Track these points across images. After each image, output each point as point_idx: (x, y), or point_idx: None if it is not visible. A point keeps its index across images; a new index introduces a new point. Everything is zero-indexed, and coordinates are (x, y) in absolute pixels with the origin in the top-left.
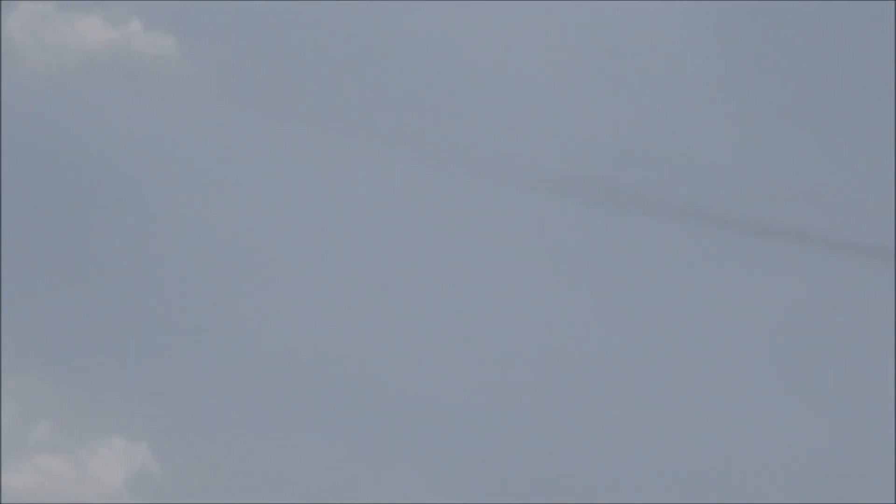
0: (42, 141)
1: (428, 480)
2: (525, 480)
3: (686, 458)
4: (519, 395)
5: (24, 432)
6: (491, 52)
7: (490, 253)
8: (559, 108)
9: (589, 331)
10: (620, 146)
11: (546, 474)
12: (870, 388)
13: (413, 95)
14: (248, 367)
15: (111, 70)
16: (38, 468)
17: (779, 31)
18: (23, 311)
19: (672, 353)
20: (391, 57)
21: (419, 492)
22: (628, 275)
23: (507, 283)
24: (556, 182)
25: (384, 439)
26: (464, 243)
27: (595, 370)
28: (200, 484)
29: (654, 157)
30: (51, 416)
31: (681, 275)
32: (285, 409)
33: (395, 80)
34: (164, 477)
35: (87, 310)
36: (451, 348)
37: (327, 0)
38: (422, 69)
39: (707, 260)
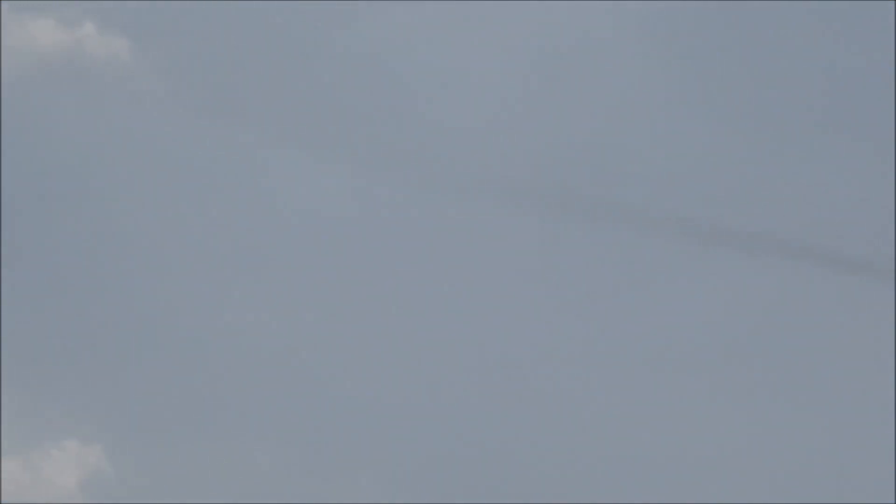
0: None
1: (386, 481)
2: (484, 481)
3: (685, 461)
4: (478, 397)
5: None
6: (449, 56)
7: (448, 259)
8: (519, 113)
9: (572, 334)
10: (593, 153)
11: (505, 475)
12: (869, 388)
13: (370, 100)
14: (202, 369)
15: (64, 73)
16: None
17: (769, 31)
18: None
19: (659, 360)
20: (349, 60)
21: (378, 492)
22: (611, 284)
23: (465, 288)
24: (517, 189)
25: (344, 440)
26: (421, 249)
27: (575, 371)
28: (155, 486)
29: (627, 165)
30: (3, 418)
31: (645, 284)
32: (241, 411)
33: (354, 84)
34: (119, 479)
35: (40, 312)
36: (411, 351)
37: (284, 1)
38: (380, 73)
39: (679, 267)
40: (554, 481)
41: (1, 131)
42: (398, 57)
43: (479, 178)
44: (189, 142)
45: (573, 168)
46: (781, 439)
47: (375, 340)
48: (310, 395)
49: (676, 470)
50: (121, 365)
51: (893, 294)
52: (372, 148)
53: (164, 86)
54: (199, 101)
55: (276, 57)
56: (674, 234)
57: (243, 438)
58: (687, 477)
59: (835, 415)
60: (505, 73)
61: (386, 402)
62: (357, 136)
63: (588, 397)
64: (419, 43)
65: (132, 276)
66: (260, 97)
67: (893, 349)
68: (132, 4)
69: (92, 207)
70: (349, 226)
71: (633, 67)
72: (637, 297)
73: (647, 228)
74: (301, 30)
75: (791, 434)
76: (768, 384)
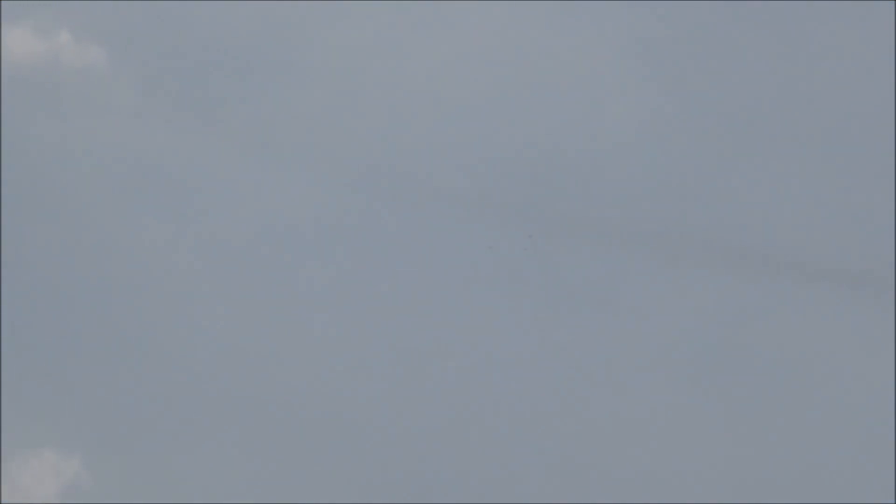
0: None
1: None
2: (465, 485)
3: (687, 461)
4: (457, 403)
5: None
6: (426, 67)
7: (397, 264)
8: (479, 123)
9: (553, 343)
10: (574, 166)
11: (487, 478)
12: (870, 388)
13: (349, 111)
14: (179, 380)
15: (40, 82)
16: None
17: (759, 36)
18: None
19: (644, 371)
20: (327, 70)
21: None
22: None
23: (411, 292)
24: (494, 201)
25: (310, 446)
26: (396, 257)
27: (552, 380)
28: (132, 496)
29: (618, 178)
30: None
31: (630, 297)
32: (216, 421)
33: (331, 95)
34: (96, 489)
35: (17, 323)
36: (388, 359)
37: (260, 8)
38: (357, 84)
39: (662, 280)
40: (532, 486)
41: None
42: (374, 68)
43: (460, 191)
44: (159, 149)
45: (551, 181)
46: (779, 443)
47: (355, 350)
48: (287, 406)
49: (681, 470)
50: (99, 376)
51: (893, 304)
52: (350, 158)
53: (141, 96)
54: (172, 108)
55: (253, 67)
56: (658, 248)
57: (219, 449)
58: (689, 477)
59: (834, 418)
60: (484, 86)
61: (365, 408)
62: (334, 146)
63: (567, 404)
64: (398, 56)
65: (109, 288)
66: (237, 106)
67: (893, 352)
68: (108, 13)
69: (69, 217)
70: (325, 234)
71: (614, 80)
72: (620, 309)
73: (633, 243)
74: (278, 40)
75: (792, 438)
76: (767, 390)
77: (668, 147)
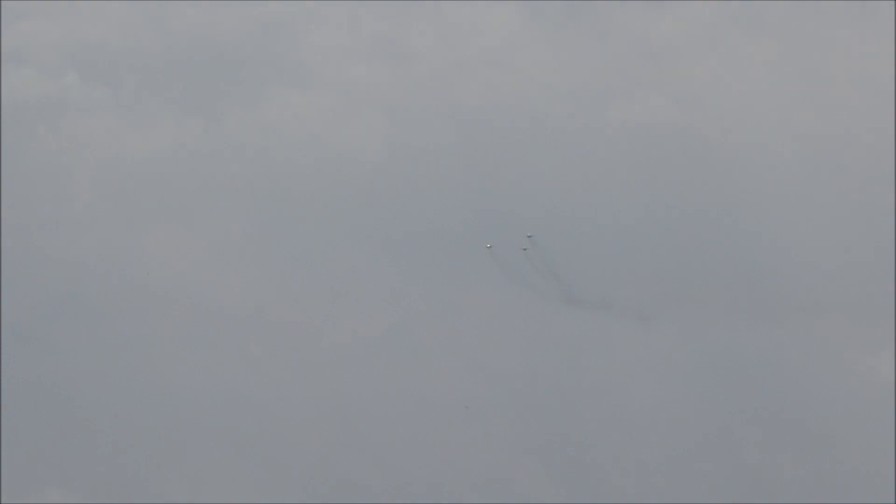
0: None
1: None
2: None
3: (686, 459)
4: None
5: None
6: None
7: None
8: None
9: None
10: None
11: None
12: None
13: (360, 164)
14: (180, 428)
15: (46, 122)
16: None
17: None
18: None
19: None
20: (330, 117)
21: None
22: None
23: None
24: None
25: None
26: (376, 308)
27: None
28: None
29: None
30: None
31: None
32: (213, 470)
33: (338, 145)
34: None
35: (25, 366)
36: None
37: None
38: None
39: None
40: None
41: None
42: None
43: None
44: (168, 192)
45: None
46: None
47: (347, 410)
48: (281, 451)
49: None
50: (104, 420)
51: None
52: (359, 215)
53: (145, 133)
54: (180, 149)
55: (260, 123)
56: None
57: (220, 491)
58: (693, 478)
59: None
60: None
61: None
62: (340, 199)
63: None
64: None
65: (108, 333)
66: (245, 160)
67: (894, 344)
68: (115, 54)
69: (75, 257)
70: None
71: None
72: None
73: (623, 283)
74: (290, 81)
75: (793, 431)
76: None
77: (666, 192)
